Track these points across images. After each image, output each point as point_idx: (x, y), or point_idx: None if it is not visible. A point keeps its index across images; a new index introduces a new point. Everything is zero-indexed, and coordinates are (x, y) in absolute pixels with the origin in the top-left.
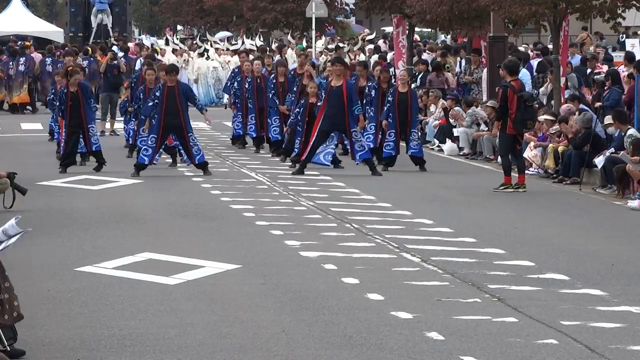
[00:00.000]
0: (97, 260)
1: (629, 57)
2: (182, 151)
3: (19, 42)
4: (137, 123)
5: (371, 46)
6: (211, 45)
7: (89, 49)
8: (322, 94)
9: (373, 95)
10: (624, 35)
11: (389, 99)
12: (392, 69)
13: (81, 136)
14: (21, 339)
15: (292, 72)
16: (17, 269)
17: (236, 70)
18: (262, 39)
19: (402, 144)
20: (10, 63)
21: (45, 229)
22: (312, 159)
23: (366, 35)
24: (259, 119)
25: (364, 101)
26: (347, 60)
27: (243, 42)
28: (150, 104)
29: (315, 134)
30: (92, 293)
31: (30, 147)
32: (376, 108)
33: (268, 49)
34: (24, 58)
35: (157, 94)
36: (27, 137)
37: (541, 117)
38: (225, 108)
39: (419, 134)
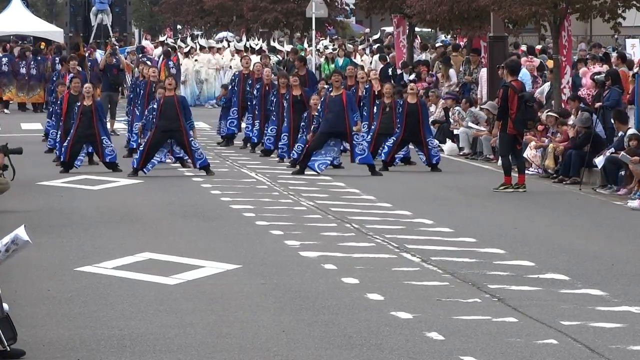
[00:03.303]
0: (97, 260)
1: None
2: (185, 157)
3: (19, 42)
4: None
5: (377, 45)
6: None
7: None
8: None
9: (376, 103)
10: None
11: (399, 110)
12: (390, 69)
13: (91, 147)
14: (21, 339)
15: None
16: (17, 269)
17: (237, 73)
18: (260, 39)
19: (413, 147)
20: (31, 62)
21: (45, 229)
22: (307, 162)
23: (368, 35)
24: (262, 126)
25: (361, 104)
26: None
27: (241, 40)
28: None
29: (316, 135)
30: (92, 293)
31: (30, 147)
32: (377, 119)
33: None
34: (39, 58)
35: (154, 105)
36: (27, 137)
37: (543, 116)
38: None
39: (436, 141)
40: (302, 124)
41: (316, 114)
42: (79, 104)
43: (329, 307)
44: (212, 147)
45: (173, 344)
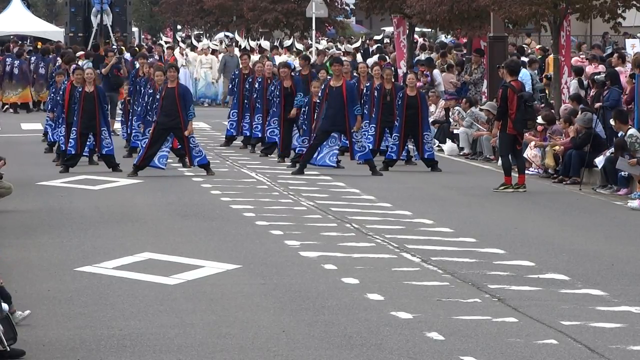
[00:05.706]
0: (97, 260)
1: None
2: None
3: (19, 42)
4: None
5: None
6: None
7: (123, 49)
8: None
9: (376, 95)
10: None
11: (398, 102)
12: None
13: (91, 137)
14: (21, 339)
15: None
16: (17, 269)
17: (236, 72)
18: (260, 39)
19: (411, 146)
20: (40, 62)
21: (45, 229)
22: (315, 161)
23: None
24: (265, 120)
25: (362, 101)
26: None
27: (238, 42)
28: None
29: (315, 134)
30: (92, 293)
31: (30, 147)
32: (377, 109)
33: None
34: (48, 58)
35: (157, 96)
36: (27, 137)
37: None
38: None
39: (432, 136)
40: (304, 109)
41: (317, 100)
42: (80, 89)
43: (329, 307)
44: (212, 147)
45: (173, 344)
